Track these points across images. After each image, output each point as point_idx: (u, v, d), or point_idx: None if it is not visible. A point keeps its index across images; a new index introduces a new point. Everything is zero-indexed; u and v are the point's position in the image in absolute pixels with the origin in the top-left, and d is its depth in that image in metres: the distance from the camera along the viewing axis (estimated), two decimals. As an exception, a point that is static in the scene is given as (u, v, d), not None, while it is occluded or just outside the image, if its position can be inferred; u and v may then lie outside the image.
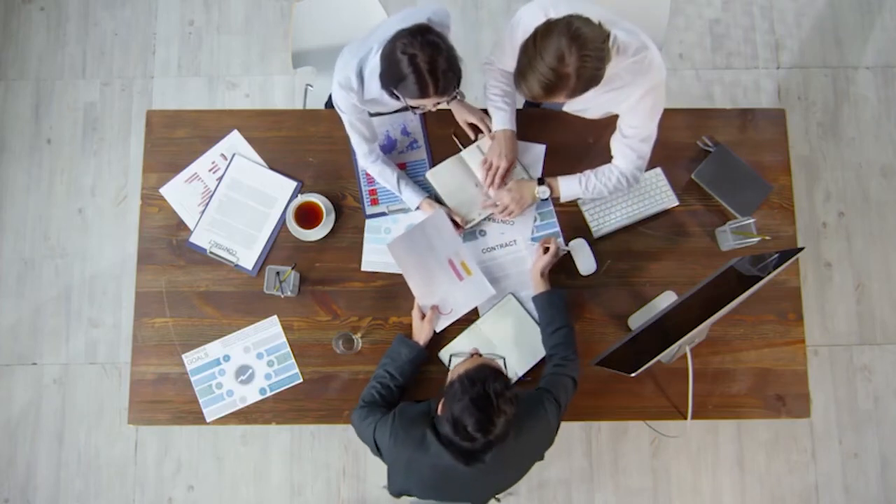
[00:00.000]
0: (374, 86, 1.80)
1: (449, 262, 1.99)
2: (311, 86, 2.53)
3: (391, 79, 1.70)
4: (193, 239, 2.08)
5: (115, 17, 3.12)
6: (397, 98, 1.77)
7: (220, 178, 2.12)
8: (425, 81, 1.66)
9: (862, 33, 3.14)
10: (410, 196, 2.05)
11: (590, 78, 1.59)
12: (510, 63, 1.98)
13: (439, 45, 1.66)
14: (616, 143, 1.96)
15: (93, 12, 3.13)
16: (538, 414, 1.70)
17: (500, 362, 1.64)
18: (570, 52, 1.53)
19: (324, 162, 2.13)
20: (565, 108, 2.07)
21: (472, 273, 1.99)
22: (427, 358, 1.97)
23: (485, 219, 2.09)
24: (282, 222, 2.09)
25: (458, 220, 2.04)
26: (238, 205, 2.10)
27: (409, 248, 2.00)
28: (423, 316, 1.98)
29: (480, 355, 1.66)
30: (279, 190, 2.11)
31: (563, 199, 2.04)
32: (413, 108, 1.79)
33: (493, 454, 1.59)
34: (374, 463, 2.72)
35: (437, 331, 2.01)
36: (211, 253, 2.06)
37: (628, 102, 1.82)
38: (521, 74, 1.62)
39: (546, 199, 2.06)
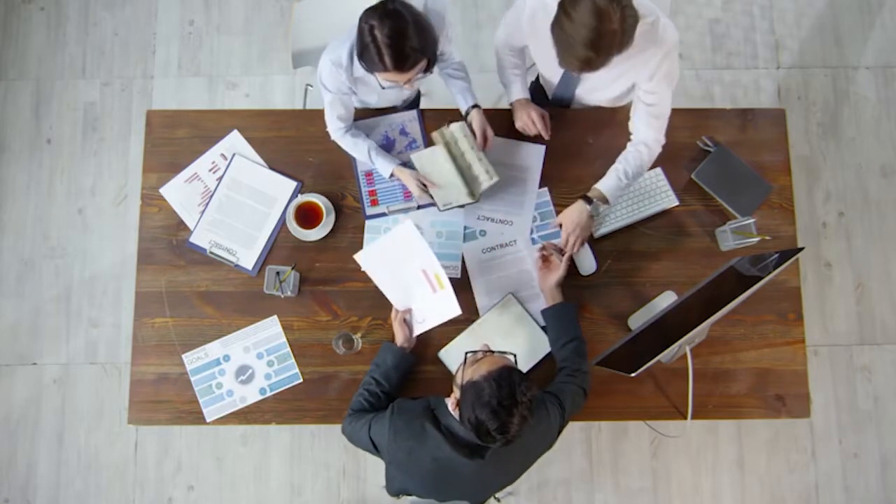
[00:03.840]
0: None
1: (422, 272, 1.94)
2: (312, 86, 2.53)
3: (359, 52, 1.71)
4: (193, 239, 2.08)
5: (115, 17, 3.12)
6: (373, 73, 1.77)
7: (220, 178, 2.12)
8: (381, 53, 1.65)
9: (862, 33, 3.14)
10: (383, 165, 2.04)
11: (632, 27, 1.60)
12: (518, 38, 2.00)
13: (401, 14, 1.64)
14: (639, 116, 1.94)
15: (93, 12, 3.13)
16: (540, 415, 1.70)
17: (512, 359, 1.64)
18: (614, 9, 1.53)
19: (324, 162, 2.13)
20: (580, 91, 2.06)
21: (444, 287, 1.93)
22: (413, 362, 1.96)
23: (461, 205, 2.06)
24: (282, 222, 2.09)
25: (427, 183, 2.01)
26: (238, 205, 2.10)
27: (380, 258, 1.97)
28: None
29: (493, 352, 1.66)
30: (279, 190, 2.11)
31: (612, 203, 2.00)
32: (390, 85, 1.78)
33: (492, 450, 1.59)
34: (374, 463, 2.72)
35: (415, 336, 1.99)
36: (211, 253, 2.07)
37: (648, 69, 1.81)
38: (566, 50, 1.60)
39: (599, 211, 2.01)
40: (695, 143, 2.15)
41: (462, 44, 3.09)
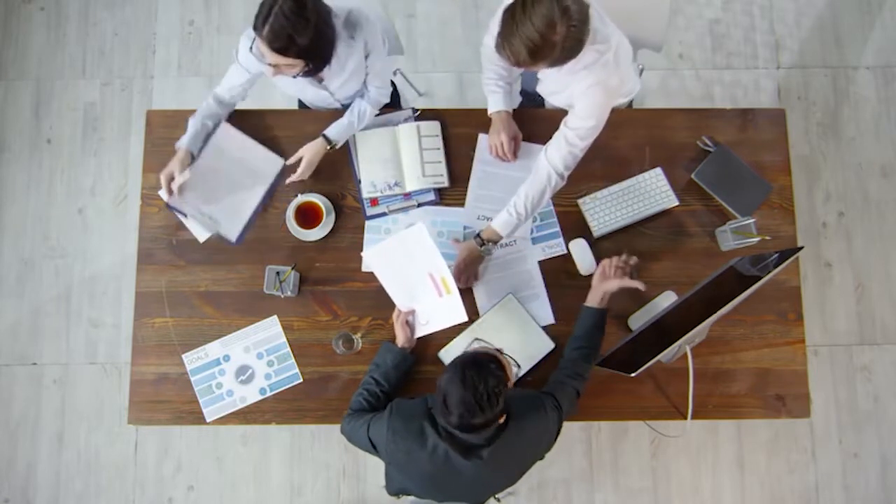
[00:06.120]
0: None
1: (429, 275, 1.94)
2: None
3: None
4: (172, 202, 2.00)
5: (115, 17, 3.12)
6: None
7: (204, 146, 2.06)
8: (267, 16, 1.65)
9: (862, 33, 3.14)
10: (185, 138, 1.99)
11: (572, 48, 1.64)
12: None
13: (307, 8, 1.65)
14: (555, 137, 1.91)
15: (93, 12, 3.13)
16: (539, 415, 1.70)
17: (514, 368, 1.64)
18: (561, 21, 1.57)
19: (324, 162, 2.12)
20: (539, 89, 2.08)
21: (451, 292, 1.93)
22: (413, 363, 1.96)
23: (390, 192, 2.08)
24: (267, 198, 2.08)
25: (172, 181, 1.96)
26: (221, 175, 2.06)
27: (387, 258, 1.97)
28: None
29: (502, 353, 1.66)
30: (265, 164, 2.09)
31: (506, 239, 1.98)
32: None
33: (491, 450, 1.59)
34: (374, 463, 2.72)
35: (416, 337, 1.99)
36: (190, 217, 2.02)
37: (580, 87, 1.82)
38: (505, 38, 1.63)
39: (491, 251, 1.99)
40: (695, 143, 2.15)
41: (462, 43, 3.09)
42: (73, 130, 3.03)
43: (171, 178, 1.96)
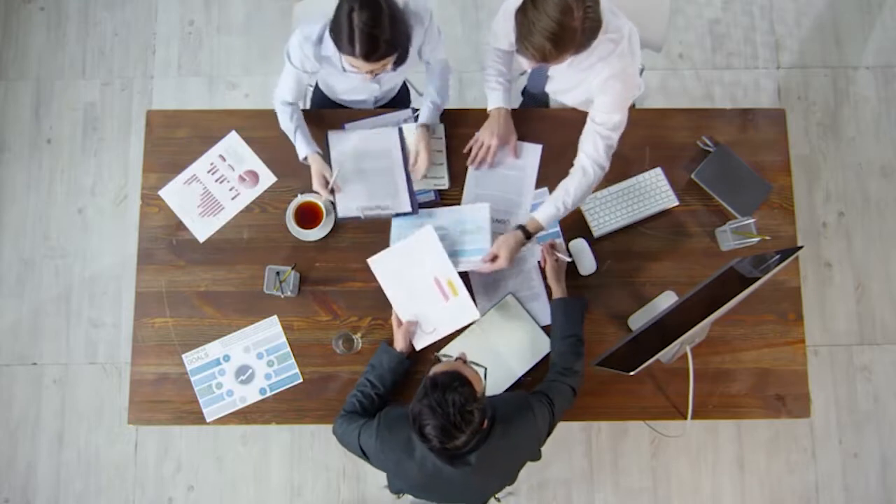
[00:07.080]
0: (330, 43, 1.81)
1: (435, 280, 1.95)
2: (312, 86, 2.53)
3: (332, 28, 1.73)
4: (342, 213, 2.03)
5: (115, 17, 3.12)
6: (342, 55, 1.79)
7: (326, 153, 2.06)
8: (353, 37, 1.67)
9: (862, 33, 3.14)
10: (301, 147, 2.01)
11: (592, 30, 1.64)
12: (505, 42, 2.01)
13: (380, 4, 1.67)
14: (586, 132, 1.92)
15: (93, 12, 3.13)
16: (525, 415, 1.69)
17: (481, 372, 1.61)
18: (577, 5, 1.57)
19: (324, 162, 2.13)
20: (548, 89, 2.07)
21: (458, 294, 1.94)
22: (410, 366, 1.96)
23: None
24: (408, 160, 2.08)
25: (334, 186, 1.99)
26: (358, 171, 2.07)
27: (394, 263, 1.97)
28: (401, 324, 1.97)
29: (465, 362, 1.64)
30: (384, 140, 2.09)
31: (548, 230, 1.98)
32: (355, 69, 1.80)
33: (478, 455, 1.58)
34: (374, 463, 2.72)
35: (417, 348, 1.99)
36: (366, 217, 2.03)
37: (598, 80, 1.82)
38: (524, 38, 1.63)
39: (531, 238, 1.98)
40: (695, 143, 2.15)
41: (462, 43, 3.09)
42: (73, 130, 3.03)
43: (325, 182, 1.97)
